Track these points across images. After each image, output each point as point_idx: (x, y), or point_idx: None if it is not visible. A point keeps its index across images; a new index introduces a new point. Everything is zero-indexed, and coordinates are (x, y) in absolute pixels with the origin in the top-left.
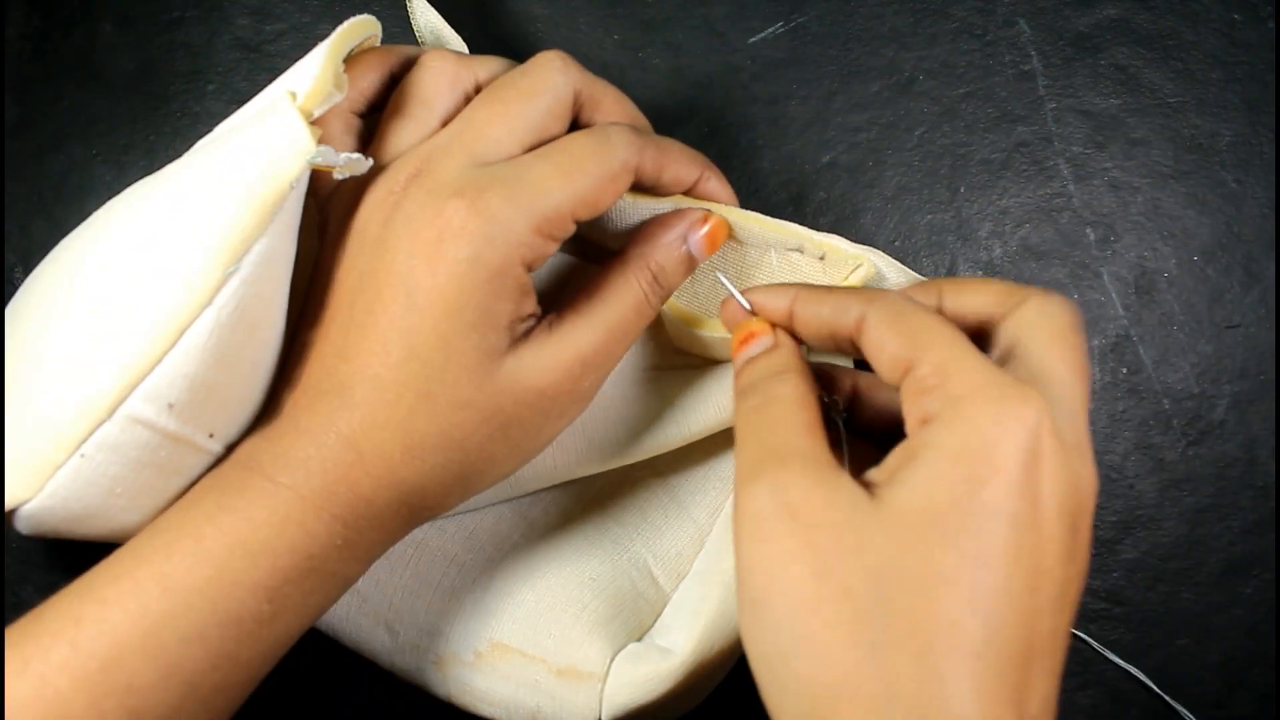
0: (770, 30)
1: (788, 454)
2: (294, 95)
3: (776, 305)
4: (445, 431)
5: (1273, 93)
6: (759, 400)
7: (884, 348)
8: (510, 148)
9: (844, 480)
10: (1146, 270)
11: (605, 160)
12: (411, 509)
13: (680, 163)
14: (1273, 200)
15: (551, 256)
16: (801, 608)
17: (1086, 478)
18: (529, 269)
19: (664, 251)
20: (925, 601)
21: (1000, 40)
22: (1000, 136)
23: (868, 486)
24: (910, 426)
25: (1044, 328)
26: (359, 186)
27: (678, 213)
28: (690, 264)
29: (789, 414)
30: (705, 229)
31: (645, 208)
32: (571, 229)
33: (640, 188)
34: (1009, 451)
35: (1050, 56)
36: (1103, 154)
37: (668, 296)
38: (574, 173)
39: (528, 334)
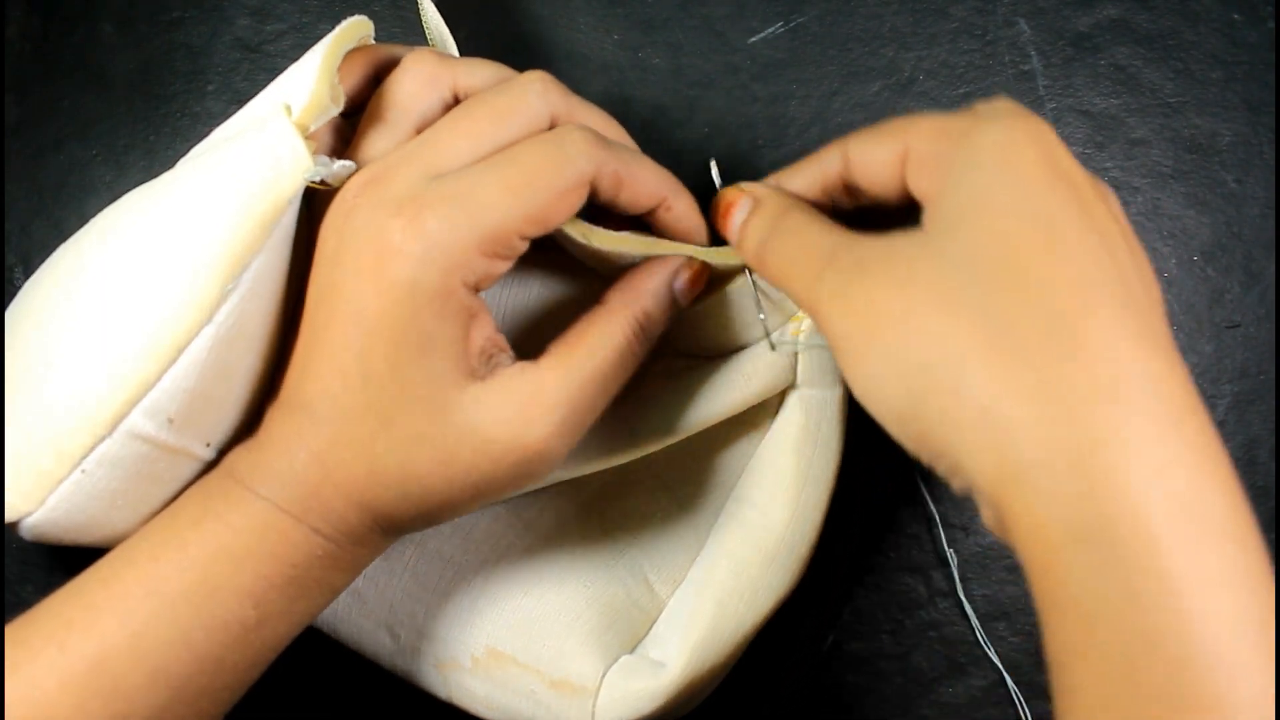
0: (770, 30)
1: (831, 250)
2: (289, 109)
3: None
4: (403, 465)
5: (1273, 93)
6: (775, 243)
7: (875, 155)
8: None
9: (896, 237)
10: None
11: (558, 174)
12: (384, 528)
13: (643, 184)
14: (1273, 200)
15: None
16: (912, 332)
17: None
18: (475, 289)
19: (650, 299)
20: (1023, 268)
21: (1000, 40)
22: None
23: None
24: (929, 178)
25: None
26: (333, 191)
27: (661, 259)
28: (675, 310)
29: (810, 231)
30: (690, 274)
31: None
32: (522, 246)
33: (597, 206)
34: (1033, 142)
35: (1050, 56)
36: (1103, 154)
37: (652, 345)
38: (522, 188)
39: (494, 371)
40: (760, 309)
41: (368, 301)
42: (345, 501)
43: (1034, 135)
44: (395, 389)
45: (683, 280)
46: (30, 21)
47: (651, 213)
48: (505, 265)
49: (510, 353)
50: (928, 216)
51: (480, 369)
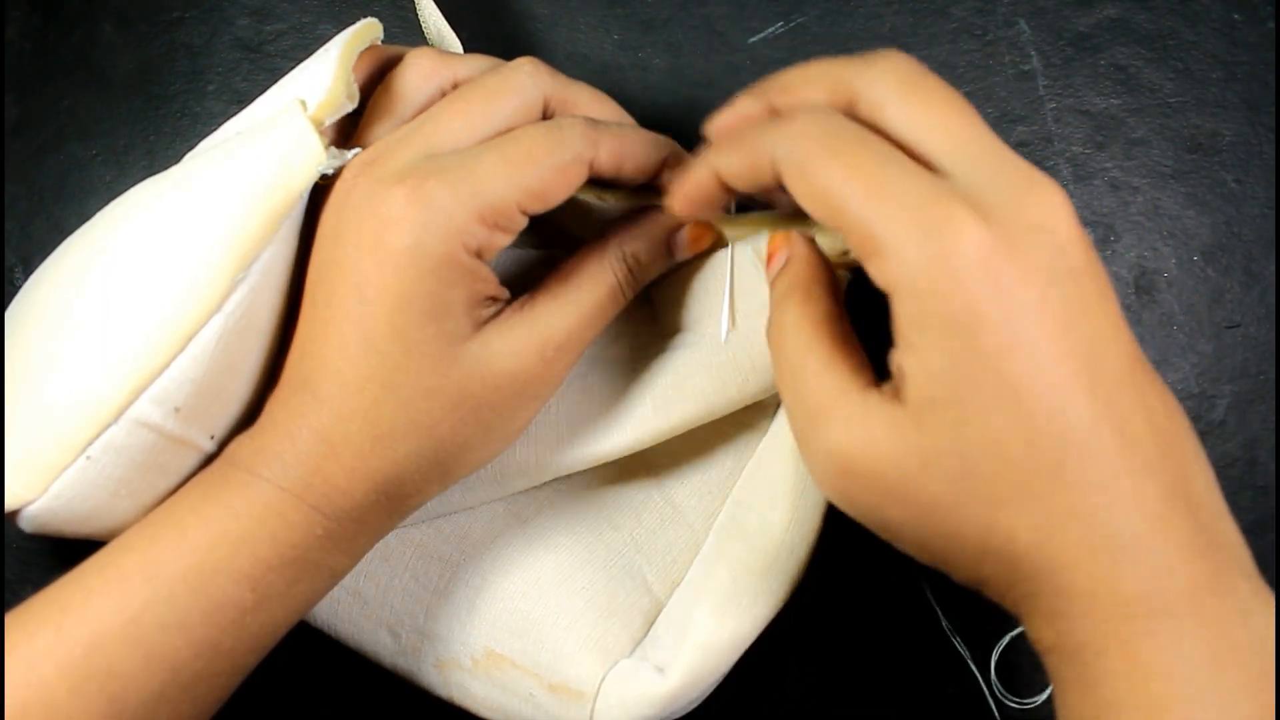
0: (770, 30)
1: (815, 407)
2: (304, 104)
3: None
4: (413, 420)
5: (1273, 93)
6: (775, 331)
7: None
8: (467, 144)
9: (872, 403)
10: (1146, 270)
11: (556, 152)
12: (390, 499)
13: (640, 153)
14: (1273, 200)
15: (528, 252)
16: (917, 514)
17: (1059, 216)
18: (478, 256)
19: (643, 242)
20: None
21: (1000, 40)
22: (1000, 136)
23: (895, 392)
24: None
25: (896, 93)
26: (334, 178)
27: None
28: (668, 259)
29: (803, 347)
30: (689, 227)
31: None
32: (522, 221)
33: (600, 181)
34: (964, 278)
35: (1050, 56)
36: (1103, 154)
37: (641, 287)
38: (522, 163)
39: (496, 316)
40: (729, 289)
41: (368, 272)
42: (349, 475)
43: (958, 265)
44: (400, 353)
45: (684, 234)
46: (30, 21)
47: (657, 178)
48: (506, 238)
49: (507, 296)
50: (896, 372)
51: (482, 315)
